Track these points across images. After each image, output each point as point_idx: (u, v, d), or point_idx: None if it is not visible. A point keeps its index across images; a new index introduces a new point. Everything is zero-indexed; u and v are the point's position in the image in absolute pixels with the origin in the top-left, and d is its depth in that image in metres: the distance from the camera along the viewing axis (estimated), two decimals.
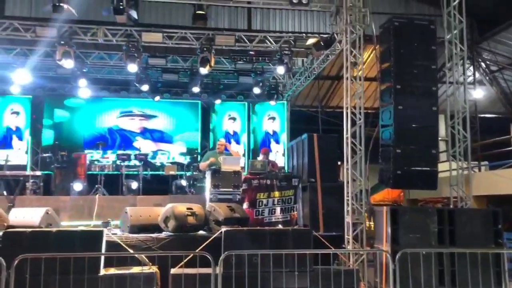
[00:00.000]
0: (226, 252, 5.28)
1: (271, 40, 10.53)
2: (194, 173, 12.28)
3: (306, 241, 6.34)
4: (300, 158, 9.78)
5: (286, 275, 5.76)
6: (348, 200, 7.58)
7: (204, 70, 10.05)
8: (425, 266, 6.09)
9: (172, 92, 14.08)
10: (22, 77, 12.19)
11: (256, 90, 13.00)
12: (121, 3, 7.70)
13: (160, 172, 13.42)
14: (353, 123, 7.72)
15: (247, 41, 10.33)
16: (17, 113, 14.28)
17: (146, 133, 14.90)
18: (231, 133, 15.03)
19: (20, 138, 14.24)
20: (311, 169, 9.06)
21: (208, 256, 5.23)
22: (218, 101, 14.20)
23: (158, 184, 12.68)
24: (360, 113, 7.74)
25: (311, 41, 9.94)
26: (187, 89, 13.42)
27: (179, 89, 13.93)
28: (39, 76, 13.19)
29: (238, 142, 15.02)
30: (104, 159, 13.70)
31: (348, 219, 7.50)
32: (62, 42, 9.38)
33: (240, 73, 12.86)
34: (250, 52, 10.59)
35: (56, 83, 13.88)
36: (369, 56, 13.09)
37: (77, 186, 11.02)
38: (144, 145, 14.67)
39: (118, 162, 12.47)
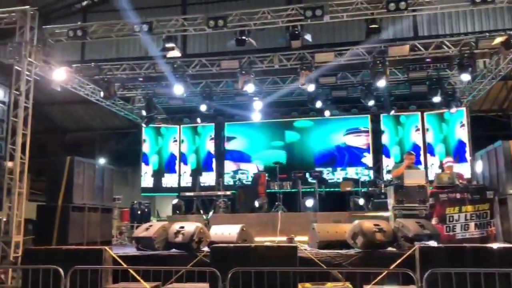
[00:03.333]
0: (430, 271, 5.00)
1: (448, 44, 9.92)
2: (370, 189, 12.09)
3: None
4: (493, 168, 8.87)
5: None
6: None
7: (381, 83, 9.89)
8: None
9: (341, 108, 14.28)
10: (207, 107, 13.53)
11: (436, 99, 12.24)
12: (296, 29, 8.06)
13: (336, 189, 13.49)
14: None
15: (422, 49, 9.90)
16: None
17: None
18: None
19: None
20: (509, 179, 8.13)
21: (410, 273, 5.04)
22: (392, 113, 13.74)
23: (333, 201, 12.76)
24: None
25: (498, 39, 9.06)
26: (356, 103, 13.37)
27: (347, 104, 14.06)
28: (220, 105, 14.50)
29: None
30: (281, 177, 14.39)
31: None
32: (243, 71, 10.21)
33: (412, 82, 12.32)
34: (427, 60, 10.11)
35: (235, 110, 15.13)
36: None
37: (259, 204, 11.70)
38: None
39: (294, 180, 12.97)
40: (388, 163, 14.17)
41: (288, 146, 15.31)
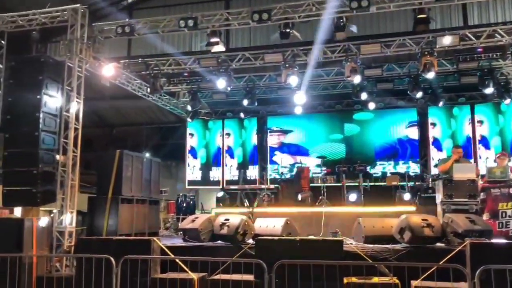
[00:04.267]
0: (483, 267, 4.84)
1: (501, 32, 9.50)
2: (417, 183, 11.80)
3: None
4: None
5: None
6: None
7: (430, 75, 9.60)
8: None
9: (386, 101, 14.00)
10: (249, 101, 13.59)
11: (488, 90, 11.75)
12: (341, 21, 7.95)
13: (381, 183, 13.25)
14: None
15: (473, 38, 9.53)
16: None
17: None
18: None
19: (232, 156, 15.92)
20: None
21: (461, 269, 4.90)
22: (440, 104, 13.30)
23: (378, 195, 12.53)
24: None
25: None
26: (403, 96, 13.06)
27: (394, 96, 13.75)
28: (261, 98, 14.54)
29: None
30: (323, 171, 14.27)
31: None
32: (287, 65, 10.17)
33: (462, 73, 11.89)
34: (478, 50, 9.71)
35: (276, 104, 15.14)
36: None
37: (302, 197, 11.66)
38: None
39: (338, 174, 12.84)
40: (440, 156, 13.72)
41: (347, 139, 15.08)
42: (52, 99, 8.69)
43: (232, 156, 16.06)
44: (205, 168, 16.15)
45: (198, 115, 15.74)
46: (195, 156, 16.28)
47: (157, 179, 11.13)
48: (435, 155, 14.00)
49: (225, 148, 16.10)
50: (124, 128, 20.53)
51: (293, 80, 10.57)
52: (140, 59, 11.51)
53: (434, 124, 14.27)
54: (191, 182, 16.26)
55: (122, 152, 9.55)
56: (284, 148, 15.65)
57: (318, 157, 14.40)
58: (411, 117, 14.58)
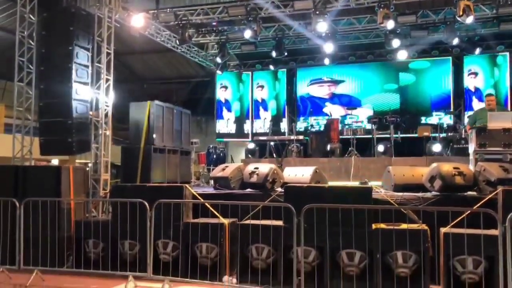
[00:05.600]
0: None
1: None
2: (450, 134, 11.57)
3: None
4: None
5: None
6: None
7: (469, 19, 9.19)
8: None
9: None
10: (279, 52, 13.40)
11: None
12: None
13: (413, 135, 13.06)
14: None
15: None
16: (262, 86, 15.90)
17: None
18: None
19: (266, 109, 15.82)
20: None
21: (493, 214, 4.87)
22: (477, 51, 12.75)
23: (410, 147, 12.39)
24: None
25: None
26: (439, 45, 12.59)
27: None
28: (291, 49, 14.29)
29: None
30: (355, 123, 14.11)
31: None
32: (317, 12, 9.90)
33: (502, 19, 11.31)
34: None
35: (306, 55, 14.88)
36: None
37: (331, 148, 11.65)
38: None
39: (369, 125, 12.70)
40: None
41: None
42: (83, 50, 8.80)
43: (265, 109, 16.01)
44: (239, 121, 16.19)
45: (228, 67, 15.65)
46: (229, 109, 16.32)
47: (187, 130, 11.30)
48: (475, 106, 13.52)
49: (259, 100, 16.03)
50: (155, 83, 20.73)
51: (322, 26, 10.29)
52: (168, 9, 11.40)
53: (475, 74, 13.72)
54: (222, 135, 16.40)
55: (153, 103, 9.69)
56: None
57: (348, 108, 14.19)
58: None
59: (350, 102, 15.01)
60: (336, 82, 15.30)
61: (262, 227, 5.96)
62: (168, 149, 10.08)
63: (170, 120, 10.30)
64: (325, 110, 15.26)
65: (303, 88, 15.59)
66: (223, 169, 8.23)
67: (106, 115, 9.38)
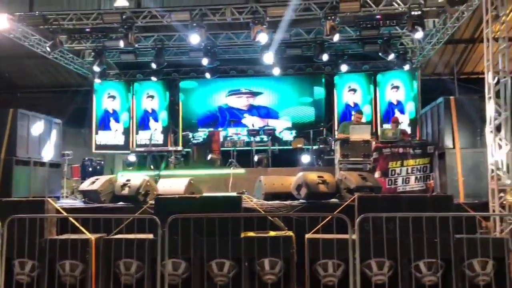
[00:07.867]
0: (362, 215, 5.21)
1: (398, 1, 9.99)
2: (321, 146, 12.32)
3: (447, 209, 5.96)
4: (435, 124, 9.23)
5: (426, 241, 5.50)
6: (492, 164, 6.94)
7: (335, 38, 9.91)
8: None
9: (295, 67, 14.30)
10: (159, 62, 13.23)
11: (390, 57, 12.31)
12: None
13: (288, 147, 13.68)
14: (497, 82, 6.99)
15: (372, 5, 9.93)
16: (152, 96, 15.58)
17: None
18: (352, 105, 14.54)
19: (156, 119, 15.56)
20: (448, 135, 8.49)
21: (344, 219, 5.23)
22: (344, 68, 13.71)
23: (286, 158, 12.94)
24: (504, 70, 6.97)
25: None
26: (311, 63, 13.39)
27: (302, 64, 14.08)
28: (173, 60, 14.19)
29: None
30: (236, 135, 14.36)
31: (493, 185, 6.89)
32: (194, 24, 9.96)
33: (365, 41, 12.39)
34: (377, 17, 10.15)
35: (188, 67, 14.90)
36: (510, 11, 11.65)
37: (211, 158, 11.75)
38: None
39: (248, 137, 13.08)
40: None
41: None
42: None
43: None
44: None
45: (107, 76, 15.03)
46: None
47: (58, 141, 10.61)
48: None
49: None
50: (32, 92, 19.07)
51: (194, 39, 10.39)
52: (37, 12, 10.65)
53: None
54: (103, 147, 15.55)
55: (16, 111, 8.96)
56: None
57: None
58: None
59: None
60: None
61: (127, 241, 5.74)
62: (34, 161, 9.36)
63: (37, 130, 9.59)
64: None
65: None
66: (93, 182, 7.83)
67: None
